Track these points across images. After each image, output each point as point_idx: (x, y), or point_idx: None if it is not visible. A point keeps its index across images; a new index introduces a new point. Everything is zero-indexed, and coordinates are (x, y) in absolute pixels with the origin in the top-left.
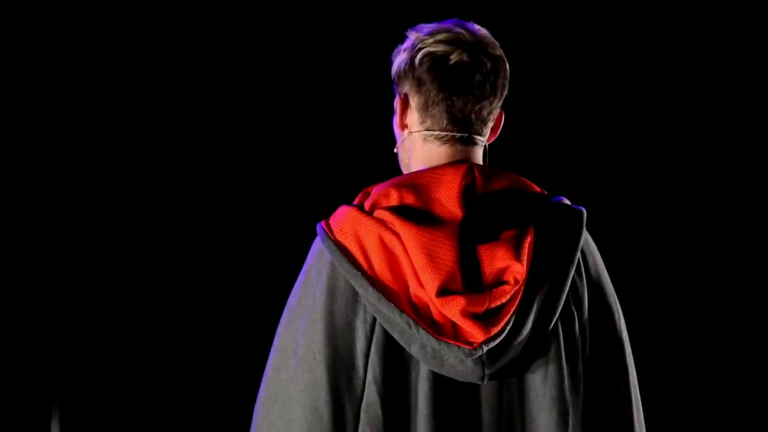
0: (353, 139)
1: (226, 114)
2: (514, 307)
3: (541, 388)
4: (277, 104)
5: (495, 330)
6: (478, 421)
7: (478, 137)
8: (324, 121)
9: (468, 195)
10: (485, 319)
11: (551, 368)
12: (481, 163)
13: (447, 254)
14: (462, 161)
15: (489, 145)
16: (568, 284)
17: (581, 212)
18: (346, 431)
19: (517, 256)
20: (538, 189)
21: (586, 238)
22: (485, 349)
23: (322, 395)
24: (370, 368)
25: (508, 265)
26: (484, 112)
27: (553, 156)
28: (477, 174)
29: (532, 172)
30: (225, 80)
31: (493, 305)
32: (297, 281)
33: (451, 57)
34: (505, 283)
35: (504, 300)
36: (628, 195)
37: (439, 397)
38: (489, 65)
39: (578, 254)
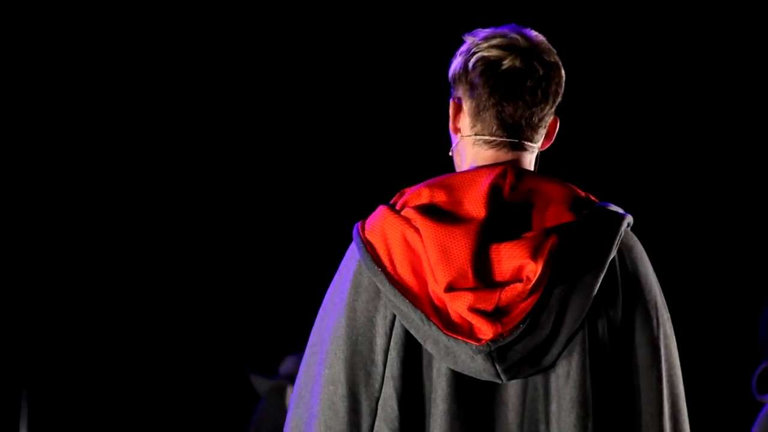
0: (398, 141)
1: (254, 117)
2: (529, 306)
3: (563, 389)
4: (313, 106)
5: (506, 327)
6: (499, 420)
7: (528, 143)
8: (367, 123)
9: (495, 196)
10: (495, 316)
11: (574, 370)
12: (529, 168)
13: (461, 251)
14: (501, 163)
15: (543, 151)
16: (596, 288)
17: (620, 216)
18: (361, 427)
19: (533, 255)
20: (582, 194)
21: (630, 244)
22: (493, 346)
23: (340, 390)
24: (388, 364)
25: (522, 264)
26: (535, 119)
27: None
28: (510, 176)
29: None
30: (257, 84)
31: (504, 303)
32: (333, 279)
33: (504, 62)
34: (519, 281)
35: (517, 298)
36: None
37: (458, 394)
38: (542, 71)
39: (610, 258)
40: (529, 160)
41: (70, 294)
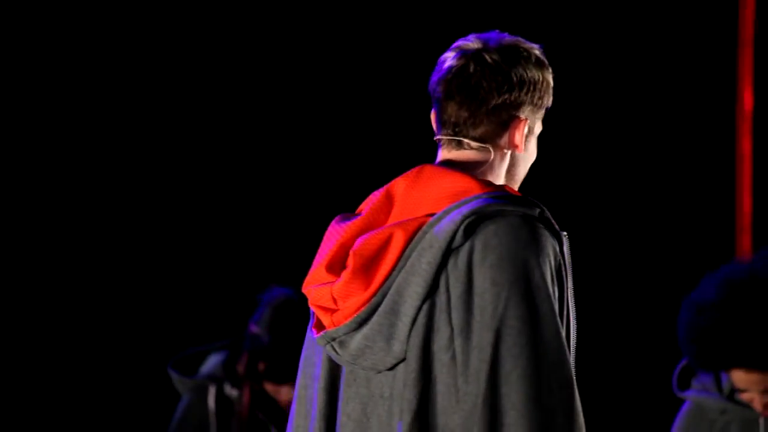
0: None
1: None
2: (364, 299)
3: (387, 382)
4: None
5: (338, 321)
6: (352, 400)
7: (472, 141)
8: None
9: (387, 195)
10: (332, 310)
11: (401, 366)
12: (482, 167)
13: (327, 250)
14: (430, 164)
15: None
16: (426, 285)
17: (463, 216)
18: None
19: (371, 251)
20: (479, 189)
21: (487, 242)
22: (327, 338)
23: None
24: None
25: (359, 263)
26: (474, 116)
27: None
28: (413, 174)
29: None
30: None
31: (338, 298)
32: None
33: (445, 64)
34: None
35: (347, 292)
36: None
37: (330, 374)
38: (474, 68)
39: (439, 258)
40: (487, 158)
41: None
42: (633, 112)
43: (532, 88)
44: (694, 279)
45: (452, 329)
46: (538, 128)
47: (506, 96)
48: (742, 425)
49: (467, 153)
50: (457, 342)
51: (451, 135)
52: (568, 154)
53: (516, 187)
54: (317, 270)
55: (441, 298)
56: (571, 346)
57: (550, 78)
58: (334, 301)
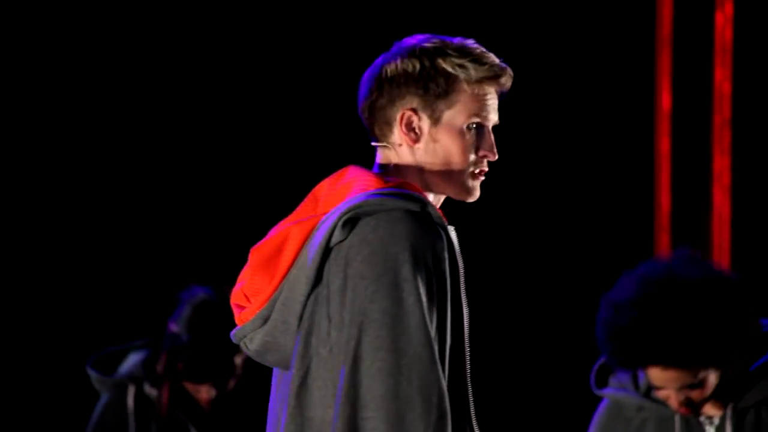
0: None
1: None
2: (264, 299)
3: (284, 378)
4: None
5: (245, 318)
6: (280, 402)
7: (379, 142)
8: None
9: (313, 196)
10: (243, 308)
11: (293, 361)
12: (389, 165)
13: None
14: (354, 164)
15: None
16: (308, 284)
17: (341, 213)
18: None
19: (271, 250)
20: (374, 188)
21: (366, 237)
22: (239, 336)
23: None
24: None
25: (255, 261)
26: (369, 120)
27: None
28: (337, 176)
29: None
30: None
31: (248, 296)
32: None
33: None
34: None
35: (254, 293)
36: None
37: (275, 376)
38: (370, 71)
39: (320, 253)
40: (392, 157)
41: None
42: (552, 112)
43: (404, 80)
44: (613, 277)
45: (330, 323)
46: (452, 116)
47: (379, 93)
48: (659, 422)
49: (383, 153)
50: (333, 335)
51: (371, 138)
52: None
53: (443, 180)
54: (244, 269)
55: (322, 293)
56: (465, 336)
57: (443, 63)
58: (247, 298)
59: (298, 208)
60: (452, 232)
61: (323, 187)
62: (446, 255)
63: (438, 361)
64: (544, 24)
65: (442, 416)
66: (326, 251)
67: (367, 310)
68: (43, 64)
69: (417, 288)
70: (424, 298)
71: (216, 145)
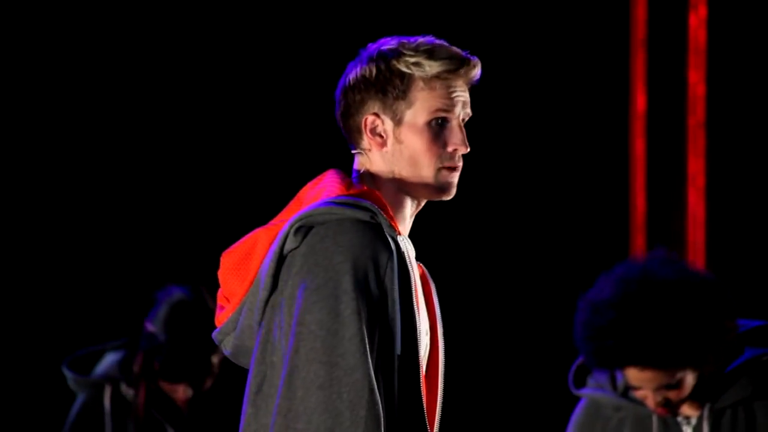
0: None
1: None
2: (235, 303)
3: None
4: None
5: (222, 320)
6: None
7: (355, 148)
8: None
9: (297, 199)
10: (222, 309)
11: (251, 367)
12: (361, 170)
13: None
14: (334, 169)
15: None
16: (265, 292)
17: (292, 222)
18: None
19: (243, 255)
20: (342, 192)
21: (315, 247)
22: (218, 338)
23: None
24: None
25: (225, 265)
26: (345, 124)
27: None
28: (316, 180)
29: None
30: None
31: (227, 297)
32: None
33: None
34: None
35: (230, 296)
36: None
37: None
38: (340, 80)
39: (275, 261)
40: (366, 163)
41: None
42: (527, 113)
43: (364, 86)
44: (590, 278)
45: (281, 331)
46: (413, 115)
47: (345, 102)
48: (636, 422)
49: (359, 160)
50: (282, 344)
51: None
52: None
53: (415, 181)
54: (218, 272)
55: (277, 300)
56: (418, 345)
57: (397, 64)
58: (227, 300)
59: (284, 210)
60: (403, 241)
61: (305, 190)
62: (394, 265)
63: (371, 374)
64: (520, 25)
65: (370, 429)
66: (281, 258)
67: (305, 320)
68: (26, 62)
69: (356, 299)
70: (363, 310)
71: (193, 144)
